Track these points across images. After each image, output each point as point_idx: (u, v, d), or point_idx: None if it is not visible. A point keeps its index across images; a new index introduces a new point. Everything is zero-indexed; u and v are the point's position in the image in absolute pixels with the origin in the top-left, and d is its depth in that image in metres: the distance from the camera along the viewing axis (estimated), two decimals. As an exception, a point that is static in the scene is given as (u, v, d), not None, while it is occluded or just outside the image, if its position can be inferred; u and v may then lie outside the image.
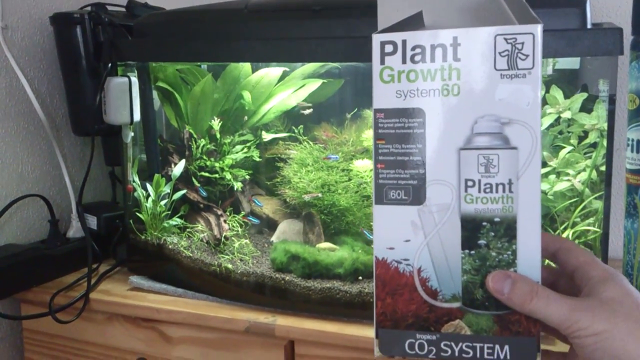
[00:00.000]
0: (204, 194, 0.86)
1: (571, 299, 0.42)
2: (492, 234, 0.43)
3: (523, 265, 0.43)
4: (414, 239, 0.44)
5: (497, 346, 0.44)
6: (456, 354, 0.44)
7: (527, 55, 0.41)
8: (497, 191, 0.43)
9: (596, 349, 0.40)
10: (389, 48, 0.43)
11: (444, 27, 0.43)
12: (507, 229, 0.43)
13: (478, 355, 0.44)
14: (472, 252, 0.44)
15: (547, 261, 0.51)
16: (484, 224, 0.43)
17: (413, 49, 0.43)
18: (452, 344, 0.45)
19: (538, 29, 0.41)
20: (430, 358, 0.45)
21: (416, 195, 0.44)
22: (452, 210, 0.43)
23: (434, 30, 0.43)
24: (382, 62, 0.44)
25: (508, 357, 0.44)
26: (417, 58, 0.43)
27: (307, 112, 0.79)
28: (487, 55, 0.42)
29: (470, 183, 0.43)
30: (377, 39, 0.43)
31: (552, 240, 0.47)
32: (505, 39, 0.41)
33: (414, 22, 0.45)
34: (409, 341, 0.45)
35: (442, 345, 0.45)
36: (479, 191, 0.43)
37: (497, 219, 0.43)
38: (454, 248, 0.44)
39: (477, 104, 0.42)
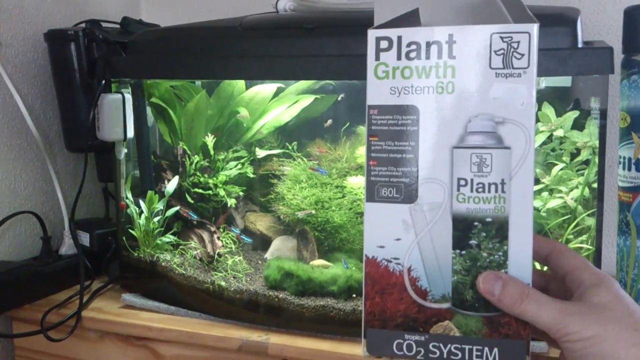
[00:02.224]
0: (195, 216, 0.86)
1: (562, 302, 0.42)
2: (484, 234, 0.43)
3: (514, 266, 0.43)
4: (404, 238, 0.44)
5: (486, 348, 0.43)
6: (445, 355, 0.44)
7: (522, 55, 0.41)
8: (489, 191, 0.42)
9: (585, 354, 0.40)
10: (384, 44, 0.43)
11: (440, 25, 0.43)
12: (499, 229, 0.42)
13: (467, 357, 0.44)
14: (463, 252, 0.43)
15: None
16: (476, 224, 0.43)
17: (408, 45, 0.43)
18: (441, 345, 0.44)
19: (534, 28, 0.41)
20: (418, 359, 0.45)
21: (408, 193, 0.44)
22: (444, 210, 0.43)
23: (430, 27, 0.43)
24: (377, 58, 0.43)
25: (497, 359, 0.43)
26: (412, 55, 0.43)
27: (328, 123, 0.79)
28: (483, 53, 0.42)
29: (462, 182, 0.43)
30: (372, 34, 0.43)
31: (544, 243, 0.47)
32: (501, 38, 0.41)
33: (410, 19, 0.45)
34: (397, 341, 0.45)
35: (430, 347, 0.44)
36: (471, 190, 0.43)
37: (488, 219, 0.43)
38: (445, 248, 0.44)
39: (471, 103, 0.42)
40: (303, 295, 0.78)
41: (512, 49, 0.41)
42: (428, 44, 0.42)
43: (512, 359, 0.43)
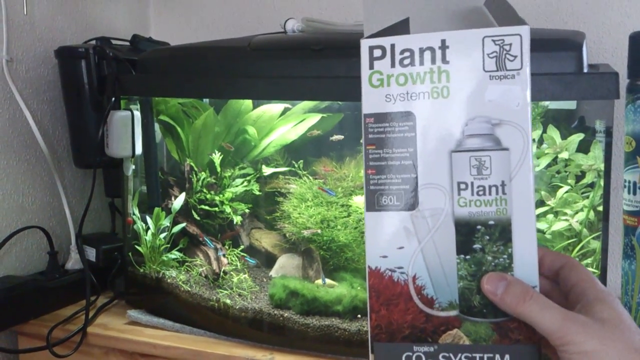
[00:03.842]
0: (212, 245, 0.86)
1: (566, 310, 0.41)
2: (487, 237, 0.42)
3: (520, 269, 0.42)
4: (407, 246, 0.43)
5: (497, 355, 0.43)
6: None
7: (515, 56, 0.42)
8: (490, 193, 0.42)
9: None
10: (377, 52, 0.43)
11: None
12: (502, 231, 0.42)
13: None
14: (468, 257, 0.43)
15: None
16: (479, 227, 0.42)
17: (402, 52, 0.43)
18: (451, 355, 0.43)
19: (525, 29, 0.42)
20: None
21: (408, 200, 0.43)
22: (446, 215, 0.43)
23: (423, 33, 0.43)
24: (371, 66, 0.43)
25: None
26: (406, 61, 0.43)
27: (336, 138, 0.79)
28: (476, 57, 0.42)
29: (462, 186, 0.42)
30: (365, 44, 0.43)
31: (557, 258, 0.46)
32: (493, 41, 0.42)
33: (400, 29, 0.45)
34: (406, 354, 0.44)
35: (440, 357, 0.43)
36: (472, 194, 0.42)
37: (491, 222, 0.42)
38: (449, 253, 0.43)
39: (467, 106, 0.42)
40: (308, 314, 0.79)
41: (504, 51, 0.42)
42: (421, 50, 0.43)
43: None
